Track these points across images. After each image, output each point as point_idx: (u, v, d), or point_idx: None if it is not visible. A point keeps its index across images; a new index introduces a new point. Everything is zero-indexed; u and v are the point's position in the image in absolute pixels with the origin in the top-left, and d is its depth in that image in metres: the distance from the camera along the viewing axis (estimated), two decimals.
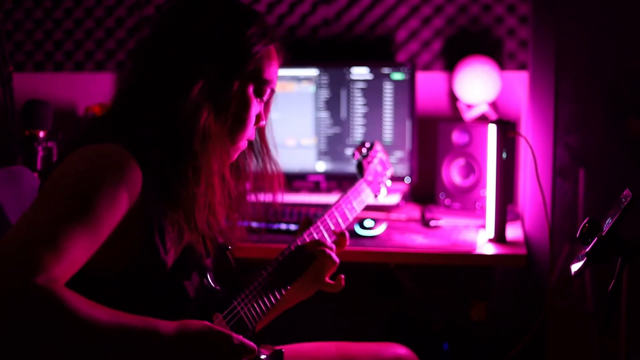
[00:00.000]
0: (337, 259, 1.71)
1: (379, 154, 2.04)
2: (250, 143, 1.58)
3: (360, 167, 1.98)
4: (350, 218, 1.83)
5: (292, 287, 1.67)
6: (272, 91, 1.55)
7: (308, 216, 1.78)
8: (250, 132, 1.53)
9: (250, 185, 1.63)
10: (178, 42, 1.43)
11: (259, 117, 1.54)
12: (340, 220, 1.79)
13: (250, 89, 1.49)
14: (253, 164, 1.63)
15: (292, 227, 2.32)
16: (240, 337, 1.33)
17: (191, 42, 1.43)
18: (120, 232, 1.30)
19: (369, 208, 2.56)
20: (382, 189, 2.01)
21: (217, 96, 1.43)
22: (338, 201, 1.82)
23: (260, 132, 1.62)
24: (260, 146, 1.63)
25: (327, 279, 1.74)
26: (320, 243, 1.70)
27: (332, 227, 1.76)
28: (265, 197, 1.66)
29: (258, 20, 1.49)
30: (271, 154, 1.64)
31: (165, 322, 1.25)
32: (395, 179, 2.75)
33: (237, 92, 1.46)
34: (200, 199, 1.40)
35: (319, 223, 1.74)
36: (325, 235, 1.75)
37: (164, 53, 1.43)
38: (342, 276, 1.75)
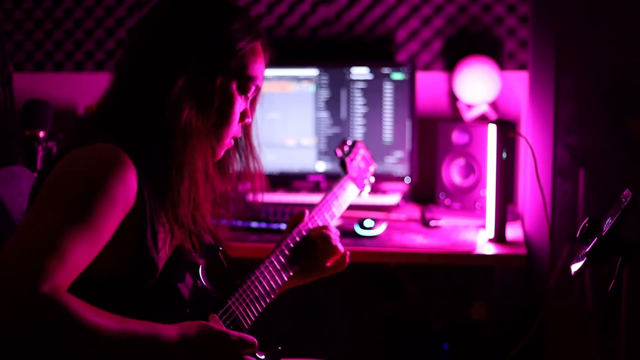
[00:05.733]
0: (341, 248, 1.73)
1: (361, 151, 2.05)
2: (234, 141, 1.55)
3: (343, 164, 1.99)
4: (337, 215, 1.85)
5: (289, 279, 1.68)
6: (258, 88, 1.53)
7: (292, 214, 1.77)
8: (235, 129, 1.50)
9: (232, 183, 1.61)
10: (162, 37, 1.42)
11: (244, 115, 1.52)
12: (327, 217, 1.81)
13: (234, 86, 1.46)
14: (236, 162, 1.61)
15: None
16: (237, 332, 1.34)
17: (174, 37, 1.41)
18: (115, 234, 1.29)
19: (369, 208, 2.57)
20: (366, 185, 2.03)
21: (200, 92, 1.41)
22: (324, 198, 1.84)
23: (245, 130, 1.59)
24: (244, 144, 1.61)
25: (328, 265, 1.75)
26: (324, 230, 1.70)
27: (320, 225, 1.77)
28: (246, 196, 1.64)
29: (242, 16, 1.47)
30: (255, 152, 1.62)
31: (167, 326, 1.26)
32: (395, 179, 2.76)
33: (220, 89, 1.44)
34: (184, 195, 1.39)
35: (306, 220, 1.75)
36: None
37: (149, 49, 1.42)
38: (348, 252, 1.75)
